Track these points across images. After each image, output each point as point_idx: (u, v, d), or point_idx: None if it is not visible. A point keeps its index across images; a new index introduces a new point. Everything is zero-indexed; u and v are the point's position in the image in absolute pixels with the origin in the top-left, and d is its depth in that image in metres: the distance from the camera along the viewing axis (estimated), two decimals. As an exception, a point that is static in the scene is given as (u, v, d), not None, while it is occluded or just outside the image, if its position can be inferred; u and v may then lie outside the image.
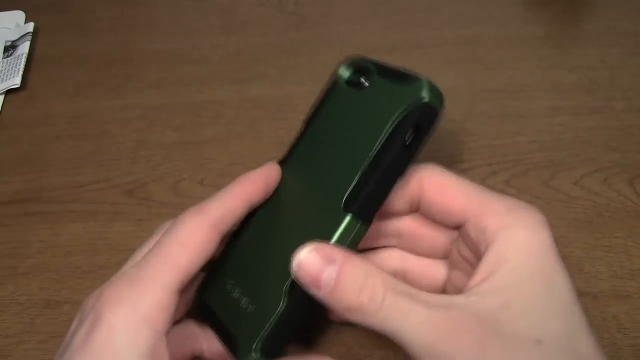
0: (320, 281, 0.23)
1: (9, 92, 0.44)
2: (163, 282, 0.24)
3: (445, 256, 0.29)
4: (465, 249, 0.26)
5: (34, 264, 0.35)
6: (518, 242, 0.23)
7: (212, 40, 0.46)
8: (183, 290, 0.25)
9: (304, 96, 0.42)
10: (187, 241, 0.25)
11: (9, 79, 0.44)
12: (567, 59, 0.42)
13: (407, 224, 0.29)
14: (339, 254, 0.23)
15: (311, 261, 0.23)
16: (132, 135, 0.41)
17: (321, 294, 0.23)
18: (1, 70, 0.45)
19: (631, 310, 0.31)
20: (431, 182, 0.26)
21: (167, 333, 0.24)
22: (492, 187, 0.33)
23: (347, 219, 0.24)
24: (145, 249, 0.27)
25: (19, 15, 0.49)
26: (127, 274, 0.25)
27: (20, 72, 0.45)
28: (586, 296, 0.31)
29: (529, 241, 0.23)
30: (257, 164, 0.38)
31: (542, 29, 0.45)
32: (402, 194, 0.27)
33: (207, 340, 0.28)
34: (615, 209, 0.35)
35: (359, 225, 0.25)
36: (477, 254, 0.25)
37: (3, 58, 0.46)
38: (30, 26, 0.48)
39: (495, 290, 0.22)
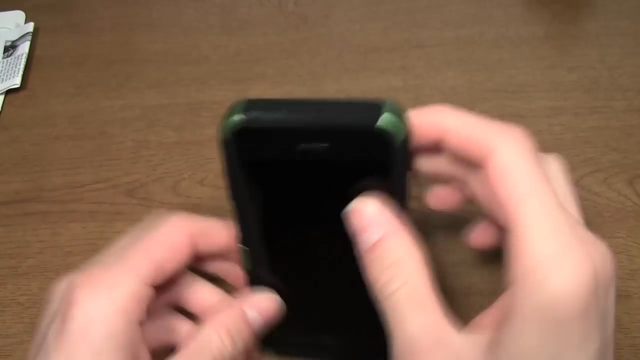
0: (361, 236, 0.23)
1: (9, 92, 0.44)
2: (140, 274, 0.24)
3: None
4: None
5: (34, 264, 0.35)
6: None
7: (212, 40, 0.46)
8: (159, 288, 0.25)
9: (304, 96, 0.42)
10: (168, 241, 0.25)
11: (9, 79, 0.44)
12: (567, 59, 0.42)
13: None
14: (388, 225, 0.23)
15: (362, 215, 0.23)
16: (132, 135, 0.41)
17: (360, 246, 0.23)
18: (1, 70, 0.45)
19: (631, 310, 0.31)
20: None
21: (142, 325, 0.24)
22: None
23: None
24: (123, 241, 0.26)
25: (19, 15, 0.49)
26: (103, 263, 0.24)
27: (20, 72, 0.45)
28: (586, 296, 0.31)
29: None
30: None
31: (542, 29, 0.45)
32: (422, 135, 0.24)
33: (184, 332, 0.28)
34: (615, 209, 0.35)
35: None
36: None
37: (3, 58, 0.46)
38: (30, 26, 0.48)
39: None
